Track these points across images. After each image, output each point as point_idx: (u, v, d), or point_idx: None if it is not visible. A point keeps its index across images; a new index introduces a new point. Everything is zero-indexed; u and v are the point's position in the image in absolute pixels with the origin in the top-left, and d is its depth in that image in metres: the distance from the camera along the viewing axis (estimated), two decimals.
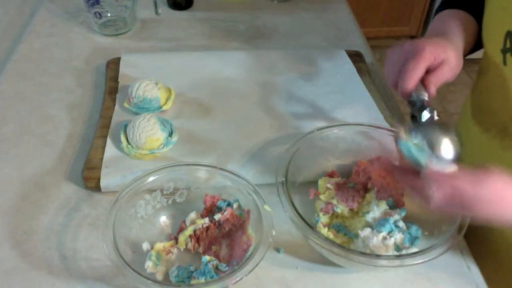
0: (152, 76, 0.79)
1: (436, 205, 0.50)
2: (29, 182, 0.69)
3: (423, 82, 0.59)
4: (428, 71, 0.59)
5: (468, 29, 0.68)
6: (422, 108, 0.56)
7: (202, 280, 0.54)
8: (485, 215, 0.50)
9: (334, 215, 0.64)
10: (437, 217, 0.59)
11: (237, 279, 0.51)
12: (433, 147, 0.51)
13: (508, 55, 0.60)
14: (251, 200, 0.60)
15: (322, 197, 0.64)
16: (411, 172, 0.53)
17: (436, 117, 0.56)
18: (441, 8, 0.74)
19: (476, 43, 0.70)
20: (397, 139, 0.54)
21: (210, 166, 0.63)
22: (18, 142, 0.75)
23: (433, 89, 0.58)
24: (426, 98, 0.57)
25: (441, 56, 0.59)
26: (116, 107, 0.78)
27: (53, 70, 0.89)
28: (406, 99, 0.59)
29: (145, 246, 0.59)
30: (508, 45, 0.59)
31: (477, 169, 0.50)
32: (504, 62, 0.61)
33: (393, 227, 0.59)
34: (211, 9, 1.10)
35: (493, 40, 0.62)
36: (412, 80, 0.57)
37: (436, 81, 0.59)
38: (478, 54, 0.72)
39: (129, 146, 0.70)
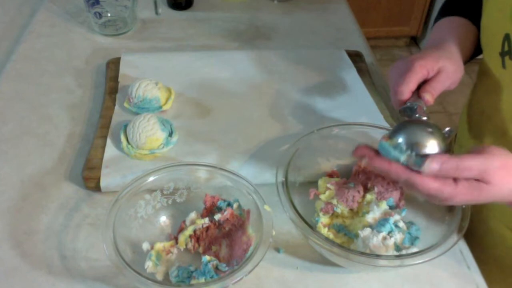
0: (152, 76, 0.79)
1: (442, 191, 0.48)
2: (29, 182, 0.69)
3: (419, 93, 0.59)
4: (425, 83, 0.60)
5: (467, 35, 0.68)
6: (413, 113, 0.57)
7: (202, 280, 0.54)
8: (504, 187, 0.48)
9: (334, 215, 0.64)
10: (437, 217, 0.59)
11: (237, 279, 0.51)
12: (410, 144, 0.50)
13: (506, 58, 0.60)
14: (251, 200, 0.60)
15: (322, 197, 0.64)
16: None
17: (424, 118, 0.56)
18: (440, 16, 0.74)
19: (477, 48, 0.70)
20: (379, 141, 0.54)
21: (210, 166, 0.63)
22: (18, 142, 0.75)
23: (427, 96, 0.58)
24: (420, 104, 0.57)
25: (435, 66, 0.60)
26: (116, 107, 0.78)
27: (53, 70, 0.89)
28: (400, 111, 0.59)
29: (145, 246, 0.59)
30: (506, 48, 0.59)
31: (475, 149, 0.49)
32: (503, 65, 0.61)
33: (393, 227, 0.59)
34: (211, 9, 1.10)
35: (492, 43, 0.62)
36: (402, 94, 0.58)
37: (431, 90, 0.59)
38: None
39: (129, 146, 0.70)
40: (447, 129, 0.55)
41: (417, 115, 0.56)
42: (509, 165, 0.47)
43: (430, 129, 0.51)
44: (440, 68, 0.60)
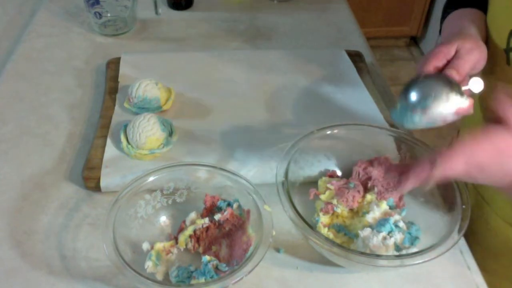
0: (152, 76, 0.79)
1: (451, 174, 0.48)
2: (29, 182, 0.69)
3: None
4: None
5: (480, 19, 0.66)
6: None
7: (202, 280, 0.54)
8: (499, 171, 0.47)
9: (334, 215, 0.64)
10: (437, 217, 0.59)
11: (237, 279, 0.51)
12: (418, 99, 0.49)
13: (511, 54, 0.59)
14: (251, 200, 0.60)
15: (322, 197, 0.64)
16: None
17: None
18: (448, 10, 0.72)
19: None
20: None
21: (210, 166, 0.63)
22: (18, 142, 0.75)
23: (452, 72, 0.54)
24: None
25: (451, 49, 0.57)
26: (116, 107, 0.78)
27: (53, 70, 0.89)
28: None
29: (145, 246, 0.59)
30: (511, 45, 0.59)
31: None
32: (508, 62, 0.61)
33: (393, 227, 0.59)
34: (211, 9, 1.10)
35: (497, 39, 0.62)
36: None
37: (454, 66, 0.55)
38: None
39: (129, 146, 0.70)
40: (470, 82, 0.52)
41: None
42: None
43: (434, 80, 0.49)
44: (457, 48, 0.57)
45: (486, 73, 0.70)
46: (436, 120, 0.50)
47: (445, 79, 0.50)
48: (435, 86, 0.49)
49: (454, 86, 0.50)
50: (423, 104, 0.49)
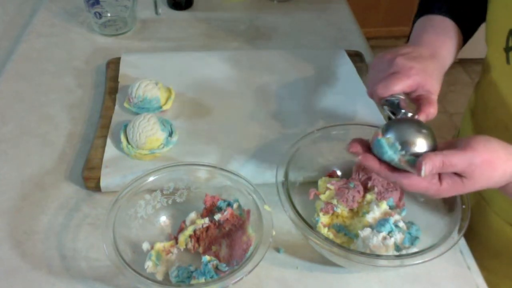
0: (152, 76, 0.79)
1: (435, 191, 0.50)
2: (29, 182, 0.69)
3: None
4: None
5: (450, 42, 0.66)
6: (398, 107, 0.56)
7: (202, 280, 0.54)
8: (483, 180, 0.49)
9: (334, 215, 0.64)
10: (437, 217, 0.59)
11: (237, 279, 0.51)
12: (405, 145, 0.51)
13: (511, 53, 0.60)
14: (251, 200, 0.60)
15: (322, 197, 0.64)
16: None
17: (409, 115, 0.55)
18: (422, 11, 0.71)
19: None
20: (372, 138, 0.54)
21: (210, 166, 0.63)
22: (18, 142, 0.75)
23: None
24: (402, 97, 0.56)
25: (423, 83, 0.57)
26: (116, 107, 0.78)
27: (53, 70, 0.89)
28: (380, 103, 0.58)
29: (145, 246, 0.59)
30: (510, 44, 0.59)
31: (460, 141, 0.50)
32: (507, 61, 0.61)
33: (393, 227, 0.59)
34: (211, 9, 1.10)
35: (496, 38, 0.62)
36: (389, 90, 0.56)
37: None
38: (478, 54, 0.72)
39: (129, 146, 0.70)
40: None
41: (402, 111, 0.55)
42: (492, 160, 0.49)
43: (423, 130, 0.52)
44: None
45: (486, 73, 0.70)
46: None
47: (431, 133, 0.53)
48: (425, 143, 0.51)
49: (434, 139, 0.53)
50: (412, 160, 0.51)
